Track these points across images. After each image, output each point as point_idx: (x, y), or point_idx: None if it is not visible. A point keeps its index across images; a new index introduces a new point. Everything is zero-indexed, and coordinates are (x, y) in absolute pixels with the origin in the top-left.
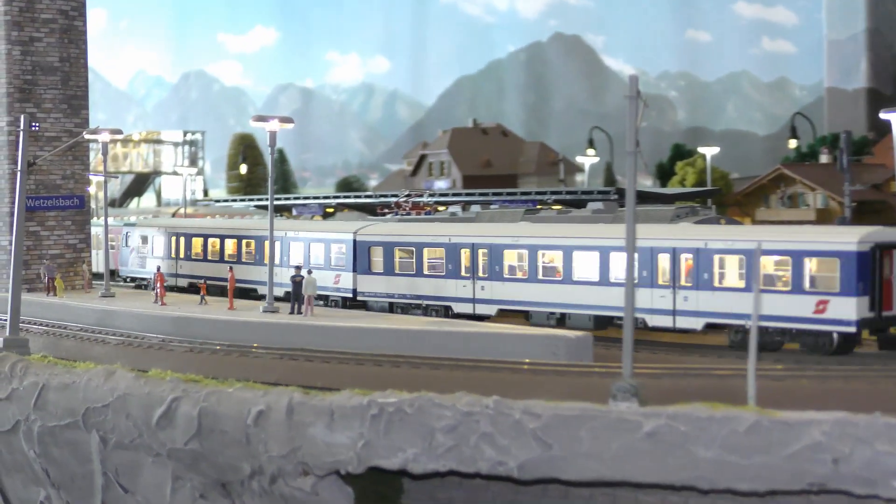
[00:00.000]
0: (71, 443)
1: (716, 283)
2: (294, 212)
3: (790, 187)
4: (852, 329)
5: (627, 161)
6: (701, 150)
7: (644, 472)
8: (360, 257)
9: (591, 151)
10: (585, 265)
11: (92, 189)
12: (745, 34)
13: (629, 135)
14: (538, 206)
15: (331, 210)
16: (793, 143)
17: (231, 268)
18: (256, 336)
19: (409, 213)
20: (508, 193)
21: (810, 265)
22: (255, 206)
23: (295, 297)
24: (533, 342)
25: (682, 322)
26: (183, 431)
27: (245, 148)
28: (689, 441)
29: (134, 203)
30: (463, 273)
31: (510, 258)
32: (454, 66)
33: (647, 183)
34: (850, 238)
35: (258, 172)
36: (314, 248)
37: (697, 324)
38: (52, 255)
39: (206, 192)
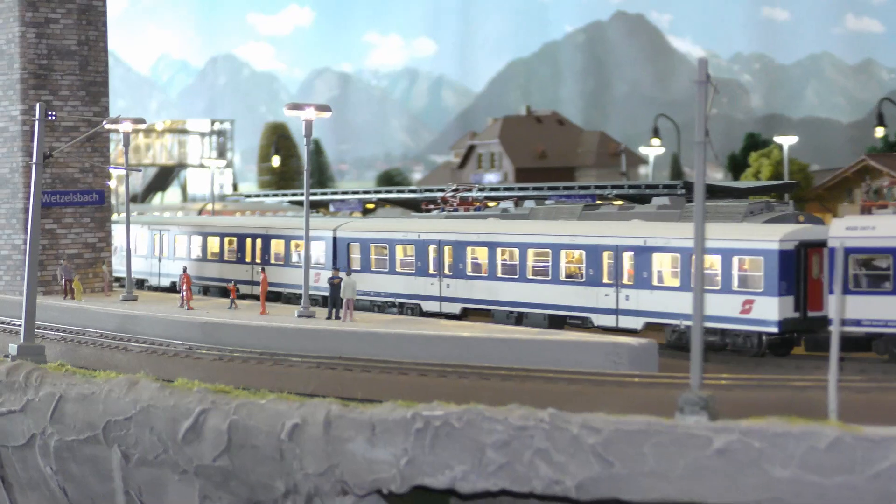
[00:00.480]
0: (90, 459)
1: (654, 283)
2: (331, 208)
3: (876, 180)
4: (774, 329)
5: (696, 152)
6: (777, 139)
7: (714, 493)
8: (339, 255)
9: (655, 141)
10: (541, 263)
11: (112, 183)
12: (827, 12)
13: (698, 123)
14: (598, 202)
15: (371, 206)
16: (880, 132)
17: (263, 269)
18: (291, 343)
19: (456, 210)
20: (565, 188)
21: (737, 264)
22: (290, 202)
23: (332, 300)
24: (592, 350)
25: (624, 322)
26: (211, 447)
27: (278, 138)
28: (763, 459)
29: (157, 198)
30: (431, 270)
31: (473, 255)
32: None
33: (718, 176)
34: (773, 236)
35: (292, 165)
36: (295, 246)
37: (637, 323)
38: (69, 255)
39: (235, 187)
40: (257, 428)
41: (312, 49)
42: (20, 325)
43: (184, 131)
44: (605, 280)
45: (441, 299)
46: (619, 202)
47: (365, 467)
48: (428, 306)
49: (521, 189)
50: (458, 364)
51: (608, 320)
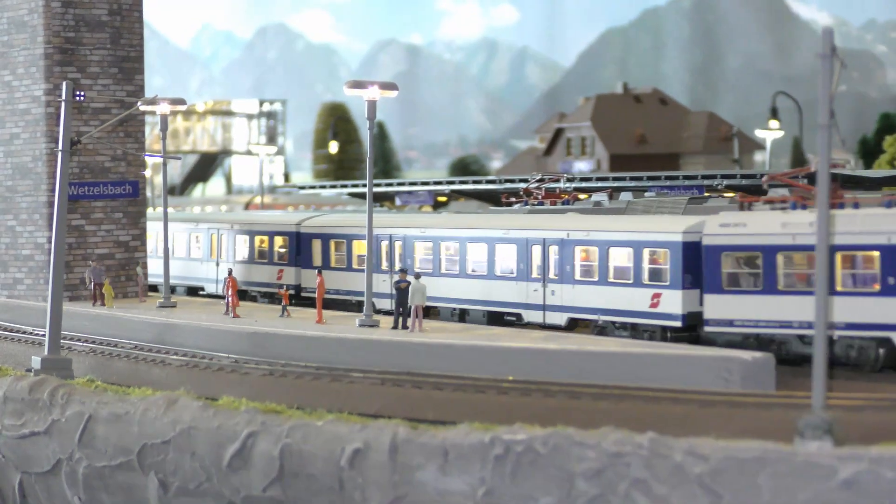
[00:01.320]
0: (124, 487)
1: (577, 277)
2: (398, 201)
3: None
4: (678, 323)
5: (819, 136)
6: None
7: None
8: (303, 251)
9: (773, 123)
10: (478, 258)
11: (147, 173)
12: None
13: (822, 103)
14: (706, 194)
15: (443, 199)
16: None
17: (319, 272)
18: (352, 356)
19: (541, 203)
20: (668, 177)
21: (647, 257)
22: (349, 195)
23: (399, 308)
24: (698, 365)
25: (550, 318)
26: (261, 475)
27: (336, 121)
28: None
29: (198, 190)
30: (383, 267)
31: (420, 251)
32: (599, 15)
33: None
34: (678, 228)
35: (352, 152)
36: (258, 241)
37: (561, 319)
38: (99, 255)
39: (286, 177)
40: (313, 453)
41: (376, 18)
42: (44, 336)
43: (228, 113)
44: (534, 275)
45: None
46: (731, 194)
47: (436, 499)
48: (381, 304)
49: (616, 179)
50: (544, 380)
51: (536, 316)
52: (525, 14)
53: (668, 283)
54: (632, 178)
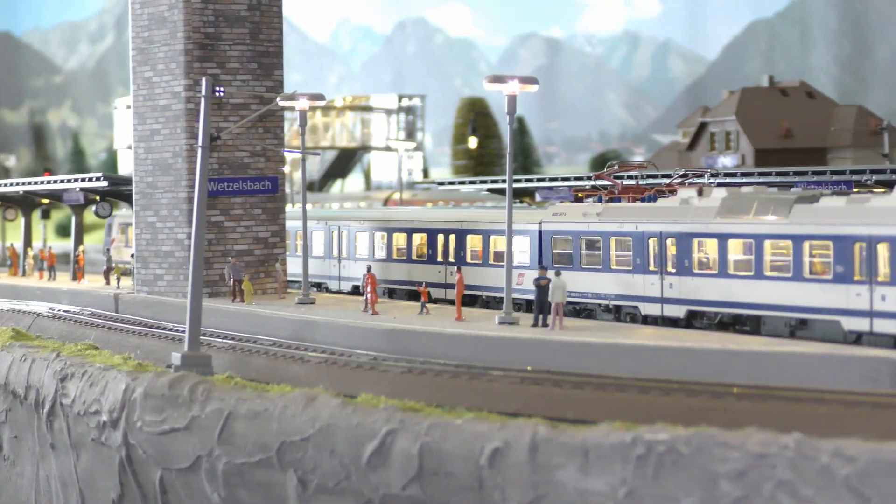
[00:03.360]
0: (263, 484)
1: (468, 259)
2: (538, 197)
3: None
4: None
5: None
6: None
7: None
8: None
9: None
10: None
11: (286, 169)
12: None
13: None
14: (854, 190)
15: (583, 195)
16: None
17: (458, 269)
18: (491, 354)
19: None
20: (814, 173)
21: (518, 243)
22: (489, 191)
23: (539, 305)
24: (843, 365)
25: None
26: (400, 473)
27: (475, 116)
28: None
29: (337, 186)
30: (333, 254)
31: (358, 240)
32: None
33: None
34: (536, 219)
35: (491, 147)
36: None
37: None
38: (238, 251)
39: (425, 173)
40: (452, 452)
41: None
42: (184, 332)
43: (367, 108)
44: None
45: (340, 279)
46: (881, 189)
47: (577, 499)
48: (332, 285)
49: (761, 174)
50: (686, 380)
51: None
52: (668, 6)
53: (528, 265)
54: (777, 174)
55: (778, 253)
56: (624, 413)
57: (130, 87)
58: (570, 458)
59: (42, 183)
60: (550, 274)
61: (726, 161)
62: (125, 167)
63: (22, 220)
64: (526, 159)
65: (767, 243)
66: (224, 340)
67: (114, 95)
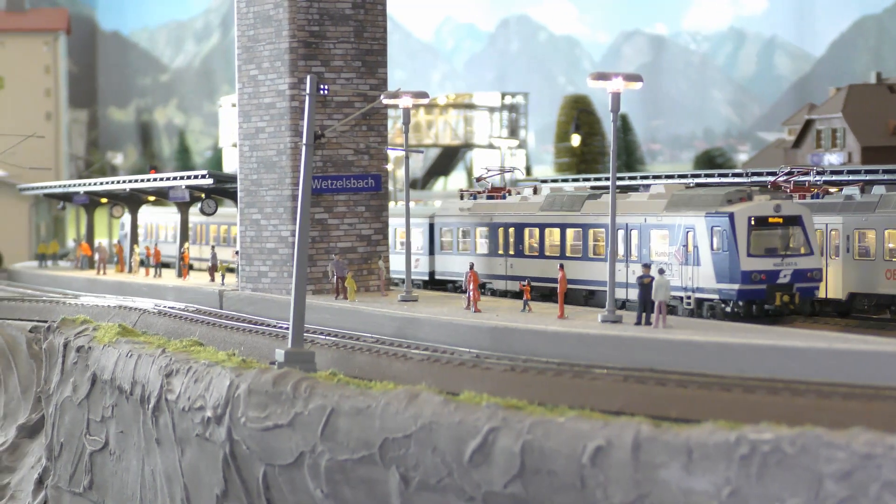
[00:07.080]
0: (365, 481)
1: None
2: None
3: None
4: (426, 278)
5: None
6: None
7: None
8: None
9: None
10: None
11: (389, 166)
12: None
13: None
14: None
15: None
16: None
17: (561, 266)
18: (594, 352)
19: (790, 197)
20: None
21: (417, 233)
22: (592, 188)
23: (643, 303)
24: None
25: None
26: (502, 471)
27: (579, 113)
28: None
29: (440, 183)
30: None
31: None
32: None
33: None
34: (429, 213)
35: (595, 145)
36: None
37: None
38: (341, 248)
39: (528, 170)
40: (555, 450)
41: (620, 8)
42: (287, 329)
43: (470, 106)
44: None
45: None
46: None
47: (680, 498)
48: None
49: (868, 172)
50: (793, 379)
51: None
52: (774, 3)
53: (423, 252)
54: (885, 172)
55: (576, 238)
56: (728, 412)
57: (236, 85)
58: (674, 457)
59: (149, 181)
60: (654, 272)
61: (832, 158)
62: (230, 165)
63: (128, 218)
64: (629, 157)
65: (569, 231)
66: (327, 337)
67: (219, 94)
